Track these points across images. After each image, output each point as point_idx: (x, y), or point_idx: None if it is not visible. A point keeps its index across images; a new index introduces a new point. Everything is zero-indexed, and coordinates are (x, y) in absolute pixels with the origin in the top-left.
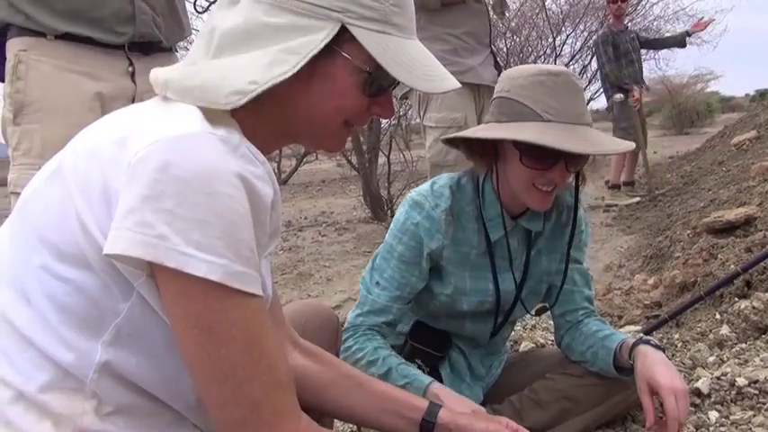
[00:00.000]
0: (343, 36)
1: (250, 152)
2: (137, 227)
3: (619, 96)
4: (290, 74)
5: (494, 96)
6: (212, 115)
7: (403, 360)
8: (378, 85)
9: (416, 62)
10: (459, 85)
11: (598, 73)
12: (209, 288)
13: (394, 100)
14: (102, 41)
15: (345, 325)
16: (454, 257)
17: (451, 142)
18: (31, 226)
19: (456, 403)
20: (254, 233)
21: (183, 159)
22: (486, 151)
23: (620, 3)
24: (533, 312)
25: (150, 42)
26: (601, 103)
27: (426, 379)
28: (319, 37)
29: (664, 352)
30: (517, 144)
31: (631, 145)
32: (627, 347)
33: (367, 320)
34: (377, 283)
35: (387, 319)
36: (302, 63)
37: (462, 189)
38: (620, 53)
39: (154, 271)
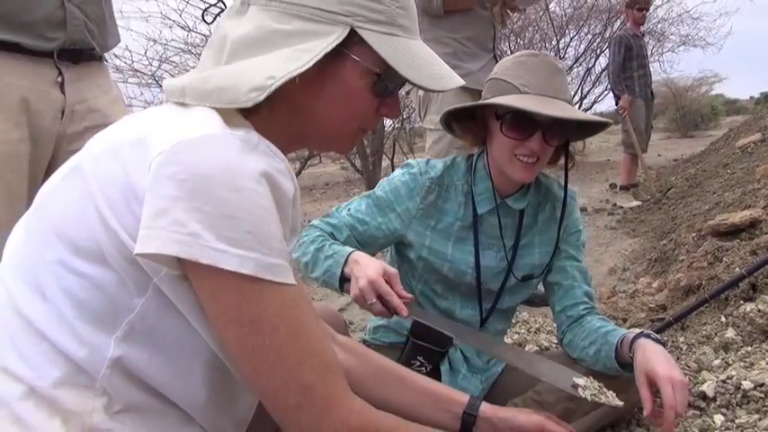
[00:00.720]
0: (352, 39)
1: (270, 149)
2: (170, 226)
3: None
4: (305, 68)
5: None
6: (229, 118)
7: (333, 241)
8: (387, 86)
9: (424, 62)
10: (464, 82)
11: (604, 74)
12: (243, 282)
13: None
14: (30, 48)
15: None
16: (435, 225)
17: (448, 125)
18: (49, 222)
19: (369, 265)
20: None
21: (206, 159)
22: (476, 130)
23: (645, 11)
24: (519, 302)
25: (80, 50)
26: (606, 104)
27: (351, 249)
28: (330, 39)
29: (664, 346)
30: (498, 116)
31: (606, 122)
32: (627, 342)
33: (322, 226)
34: (348, 209)
35: (336, 236)
36: (316, 59)
37: (456, 166)
38: (633, 56)
39: (187, 270)
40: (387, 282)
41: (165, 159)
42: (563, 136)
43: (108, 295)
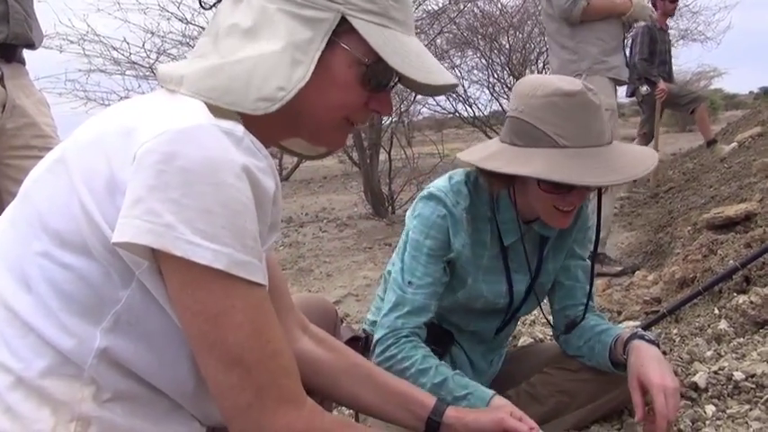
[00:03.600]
0: (343, 27)
1: (254, 145)
2: (144, 215)
3: (645, 89)
4: (307, 78)
5: (507, 114)
6: (216, 108)
7: (456, 370)
8: (376, 78)
9: (414, 54)
10: (456, 81)
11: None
12: (214, 276)
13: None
14: None
15: (382, 330)
16: (471, 258)
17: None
18: (34, 213)
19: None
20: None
21: (188, 150)
22: (503, 176)
23: (676, 3)
24: (561, 330)
25: (14, 48)
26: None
27: (488, 392)
28: (322, 30)
29: (658, 346)
30: None
31: (651, 166)
32: (621, 342)
33: (408, 322)
34: (409, 282)
35: (427, 319)
36: (314, 66)
37: (479, 189)
38: (656, 49)
39: (159, 260)
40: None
41: (147, 149)
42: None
43: (93, 287)
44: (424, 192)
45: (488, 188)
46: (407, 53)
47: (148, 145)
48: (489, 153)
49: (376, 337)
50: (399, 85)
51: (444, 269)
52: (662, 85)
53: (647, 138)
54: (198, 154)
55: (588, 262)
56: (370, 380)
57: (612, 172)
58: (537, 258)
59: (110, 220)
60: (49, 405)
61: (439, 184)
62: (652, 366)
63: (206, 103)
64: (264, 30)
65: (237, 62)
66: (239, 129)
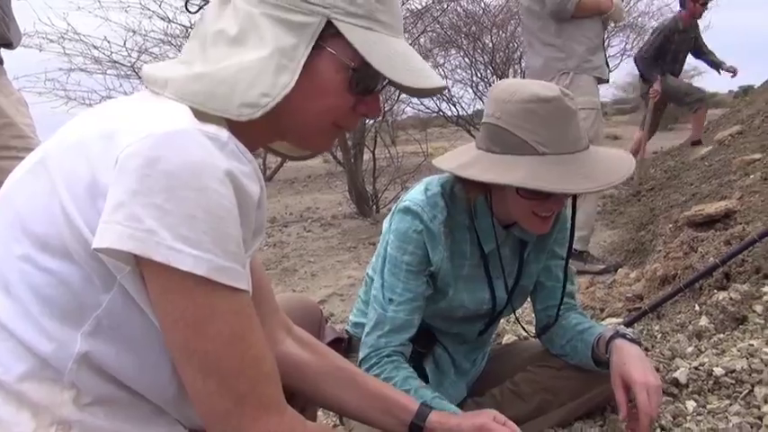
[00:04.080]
0: (329, 31)
1: (238, 149)
2: (126, 221)
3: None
4: (293, 84)
5: (483, 120)
6: (201, 112)
7: (437, 393)
8: (363, 82)
9: (401, 57)
10: (444, 84)
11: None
12: (195, 282)
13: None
14: None
15: (365, 349)
16: (450, 269)
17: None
18: (15, 216)
19: None
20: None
21: (172, 155)
22: (483, 184)
23: (705, 6)
24: (534, 335)
25: None
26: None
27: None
28: (307, 35)
29: (640, 345)
30: None
31: (629, 172)
32: (603, 341)
33: (391, 341)
34: (390, 300)
35: (410, 335)
36: (299, 71)
37: (455, 198)
38: (669, 48)
39: (141, 265)
40: None
41: (129, 153)
42: None
43: (74, 291)
44: (401, 204)
45: (465, 195)
46: (394, 56)
47: (131, 149)
48: (467, 161)
49: (360, 356)
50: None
51: (427, 282)
52: (656, 86)
53: (651, 130)
54: (181, 159)
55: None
56: (354, 383)
57: (592, 179)
58: (517, 262)
59: (91, 225)
60: (28, 409)
61: (415, 198)
62: (634, 364)
63: (191, 108)
64: (250, 36)
65: (223, 69)
66: (224, 133)
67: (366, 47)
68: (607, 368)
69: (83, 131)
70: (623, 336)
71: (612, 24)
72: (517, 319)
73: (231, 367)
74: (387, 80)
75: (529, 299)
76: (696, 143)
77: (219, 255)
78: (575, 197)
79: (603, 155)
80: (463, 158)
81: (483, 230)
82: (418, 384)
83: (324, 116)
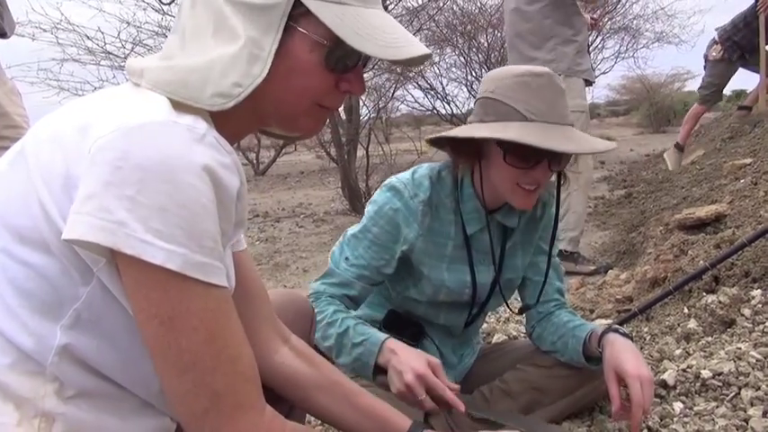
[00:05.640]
0: (299, 10)
1: (217, 141)
2: (96, 212)
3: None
4: (265, 73)
5: (477, 98)
6: (179, 104)
7: (361, 321)
8: (341, 60)
9: (376, 30)
10: (427, 50)
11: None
12: (168, 277)
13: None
14: None
15: (309, 292)
16: (431, 249)
17: (437, 142)
18: None
19: (411, 356)
20: (219, 223)
21: (145, 147)
22: (470, 151)
23: None
24: (516, 311)
25: None
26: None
27: (382, 335)
28: (276, 17)
29: (632, 340)
30: (501, 144)
31: (611, 145)
32: (596, 337)
33: (330, 290)
34: (346, 258)
35: (349, 294)
36: (271, 59)
37: (442, 181)
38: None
39: (115, 257)
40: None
41: (101, 144)
42: (566, 161)
43: (53, 284)
44: (387, 181)
45: (453, 170)
46: (369, 29)
47: (103, 140)
48: (457, 132)
49: None
50: (377, 79)
51: (387, 262)
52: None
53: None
54: (155, 151)
55: (557, 259)
56: (347, 400)
57: (576, 144)
58: (500, 249)
59: (66, 217)
60: (12, 401)
61: (402, 177)
62: (628, 357)
63: (170, 99)
64: (222, 30)
65: (196, 60)
66: (201, 125)
67: (337, 22)
68: (597, 364)
69: (59, 124)
70: (616, 331)
71: (602, 16)
72: (505, 300)
73: (207, 365)
74: (366, 56)
75: (519, 297)
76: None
77: (194, 249)
78: (559, 186)
79: (584, 134)
80: (454, 132)
81: (468, 213)
82: (345, 315)
83: (304, 97)
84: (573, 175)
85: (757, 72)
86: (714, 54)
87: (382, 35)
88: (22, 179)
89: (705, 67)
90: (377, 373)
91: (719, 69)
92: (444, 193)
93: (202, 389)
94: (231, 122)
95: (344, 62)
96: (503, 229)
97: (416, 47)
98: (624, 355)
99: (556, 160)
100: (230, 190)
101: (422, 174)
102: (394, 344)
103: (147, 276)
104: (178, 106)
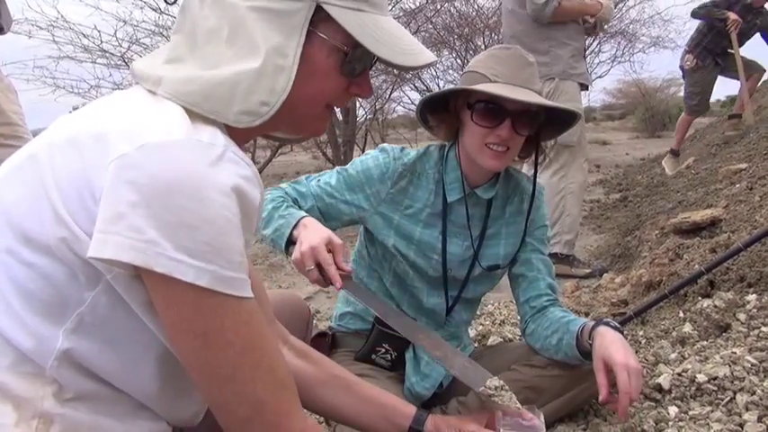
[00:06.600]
0: (318, 16)
1: (236, 155)
2: (126, 231)
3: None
4: (290, 85)
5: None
6: (195, 113)
7: (292, 205)
8: (356, 65)
9: (393, 37)
10: (436, 58)
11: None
12: (199, 293)
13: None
14: None
15: (272, 190)
16: (407, 210)
17: (423, 118)
18: (1, 210)
19: (315, 231)
20: (243, 235)
21: (171, 166)
22: (450, 121)
23: None
24: (484, 292)
25: None
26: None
27: (299, 213)
28: (298, 24)
29: (622, 333)
30: (469, 105)
31: (574, 113)
32: (587, 330)
33: (289, 190)
34: (318, 179)
35: (300, 201)
36: (295, 69)
37: (429, 154)
38: (725, 34)
39: (143, 275)
40: (329, 251)
41: (126, 163)
42: (532, 126)
43: (57, 287)
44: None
45: (439, 148)
46: (385, 35)
47: (126, 158)
48: (435, 93)
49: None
50: (373, 81)
51: (346, 203)
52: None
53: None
54: (180, 169)
55: (547, 257)
56: (349, 391)
57: (531, 98)
58: (481, 228)
59: (80, 224)
60: (11, 401)
61: (393, 145)
62: (616, 348)
63: (185, 108)
64: (241, 37)
65: (219, 71)
66: (220, 140)
67: (358, 29)
68: (590, 358)
69: (76, 130)
70: (606, 323)
71: (606, 27)
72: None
73: (246, 376)
74: (376, 59)
75: (513, 299)
76: (674, 153)
77: (224, 265)
78: (536, 162)
79: (548, 101)
80: (431, 94)
81: (450, 183)
82: (288, 204)
83: (318, 101)
84: (568, 171)
85: (736, 78)
86: (689, 63)
87: (399, 42)
88: (32, 182)
89: (683, 77)
90: (289, 246)
91: (697, 78)
92: (429, 165)
93: (243, 398)
94: (243, 129)
95: (359, 67)
96: (486, 211)
97: (428, 53)
98: (613, 345)
99: (520, 122)
100: (254, 202)
101: (410, 149)
102: (308, 220)
103: (177, 293)
104: (194, 117)
